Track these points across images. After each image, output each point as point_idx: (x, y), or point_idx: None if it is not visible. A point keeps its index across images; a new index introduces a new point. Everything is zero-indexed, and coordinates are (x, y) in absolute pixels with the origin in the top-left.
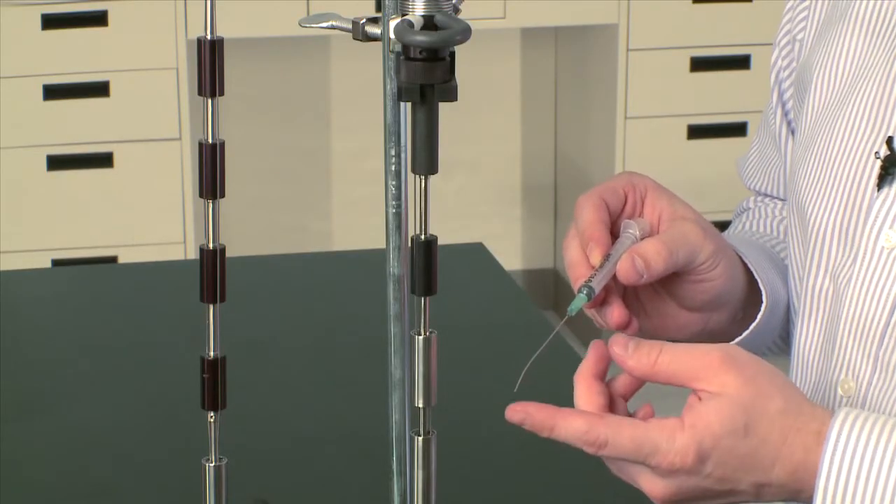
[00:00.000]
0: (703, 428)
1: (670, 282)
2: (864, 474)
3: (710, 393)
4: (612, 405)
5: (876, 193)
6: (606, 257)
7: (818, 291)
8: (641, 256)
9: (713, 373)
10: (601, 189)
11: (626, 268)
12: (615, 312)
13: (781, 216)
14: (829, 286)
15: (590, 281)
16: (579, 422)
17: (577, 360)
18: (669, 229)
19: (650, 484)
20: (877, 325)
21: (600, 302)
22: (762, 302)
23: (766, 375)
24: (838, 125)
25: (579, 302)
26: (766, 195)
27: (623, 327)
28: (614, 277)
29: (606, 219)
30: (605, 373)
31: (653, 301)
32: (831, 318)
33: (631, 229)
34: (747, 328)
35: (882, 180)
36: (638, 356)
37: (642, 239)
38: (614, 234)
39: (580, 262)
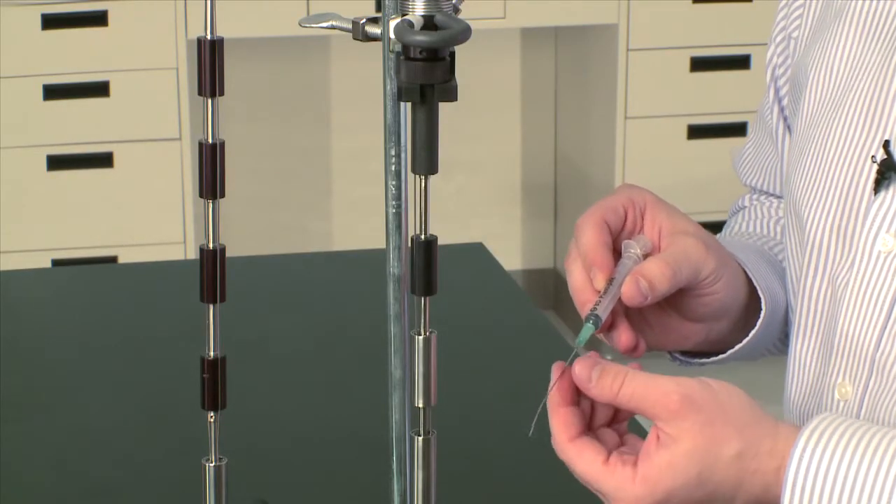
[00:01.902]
0: (655, 481)
1: (673, 296)
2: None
3: (667, 435)
4: (592, 416)
5: (873, 197)
6: (610, 281)
7: (815, 295)
8: (645, 278)
9: (670, 415)
10: (601, 208)
11: (630, 291)
12: (623, 337)
13: (778, 216)
14: (826, 290)
15: (595, 309)
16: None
17: None
18: (670, 246)
19: None
20: (874, 328)
21: (608, 327)
22: (761, 309)
23: (723, 417)
24: (834, 127)
25: (587, 332)
26: (762, 191)
27: (631, 350)
28: (619, 299)
29: (608, 240)
30: (575, 396)
31: (656, 314)
32: (828, 322)
33: (632, 249)
34: (747, 335)
35: (879, 184)
36: (601, 385)
37: (645, 257)
38: (616, 250)
39: (584, 287)
